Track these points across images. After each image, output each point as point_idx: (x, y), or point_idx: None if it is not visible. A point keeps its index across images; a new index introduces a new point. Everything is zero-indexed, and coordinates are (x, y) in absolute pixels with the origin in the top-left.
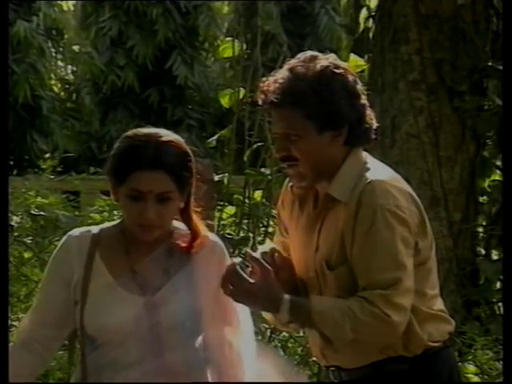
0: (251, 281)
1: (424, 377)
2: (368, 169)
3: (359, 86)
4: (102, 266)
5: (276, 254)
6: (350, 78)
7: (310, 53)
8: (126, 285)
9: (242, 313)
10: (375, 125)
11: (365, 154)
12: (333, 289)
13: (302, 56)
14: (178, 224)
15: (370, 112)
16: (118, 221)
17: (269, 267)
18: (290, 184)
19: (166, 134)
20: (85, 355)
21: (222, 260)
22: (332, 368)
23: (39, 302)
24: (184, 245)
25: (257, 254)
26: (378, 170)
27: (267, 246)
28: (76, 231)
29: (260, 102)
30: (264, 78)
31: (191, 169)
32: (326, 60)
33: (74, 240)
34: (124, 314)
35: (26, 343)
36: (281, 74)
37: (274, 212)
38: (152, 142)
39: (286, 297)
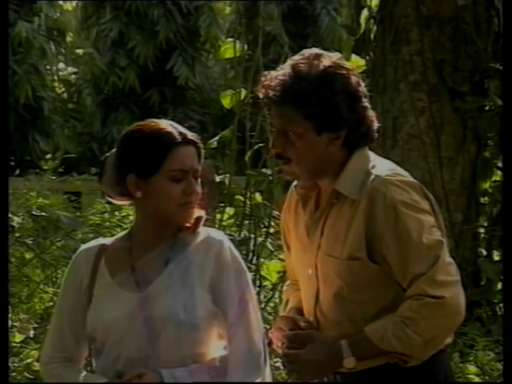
0: (303, 351)
1: (422, 380)
2: (375, 166)
3: (362, 88)
4: (104, 269)
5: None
6: (353, 79)
7: (314, 50)
8: (122, 282)
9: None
10: (376, 125)
11: (370, 153)
12: (330, 286)
13: (306, 53)
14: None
15: (371, 113)
16: (127, 230)
17: (307, 331)
18: (294, 184)
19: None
20: (92, 358)
21: (218, 257)
22: None
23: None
24: (188, 227)
25: (287, 331)
26: (386, 167)
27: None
28: (86, 244)
29: (261, 96)
30: (266, 73)
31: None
32: (329, 60)
33: (83, 252)
34: (116, 310)
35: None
36: (283, 71)
37: (275, 213)
38: (170, 124)
39: (343, 343)
